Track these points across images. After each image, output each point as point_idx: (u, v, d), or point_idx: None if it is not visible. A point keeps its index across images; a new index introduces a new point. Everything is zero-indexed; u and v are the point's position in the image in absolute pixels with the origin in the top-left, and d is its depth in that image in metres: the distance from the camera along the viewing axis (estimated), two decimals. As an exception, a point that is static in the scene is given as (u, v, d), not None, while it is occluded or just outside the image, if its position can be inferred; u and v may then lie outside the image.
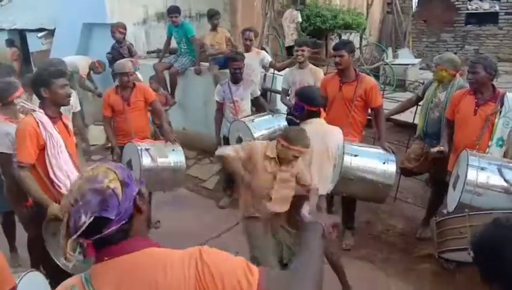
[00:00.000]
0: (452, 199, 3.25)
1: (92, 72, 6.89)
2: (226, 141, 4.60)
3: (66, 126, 2.95)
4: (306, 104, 3.09)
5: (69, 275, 1.33)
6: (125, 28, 6.11)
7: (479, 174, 3.00)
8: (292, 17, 8.15)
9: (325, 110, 3.38)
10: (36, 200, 2.78)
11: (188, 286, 1.08)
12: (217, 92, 4.66)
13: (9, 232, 3.73)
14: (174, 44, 6.21)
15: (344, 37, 9.39)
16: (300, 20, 8.15)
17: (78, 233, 1.09)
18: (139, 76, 5.26)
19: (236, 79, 4.56)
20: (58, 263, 2.61)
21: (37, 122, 2.72)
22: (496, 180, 3.01)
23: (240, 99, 4.57)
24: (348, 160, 3.45)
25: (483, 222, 2.83)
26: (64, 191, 2.73)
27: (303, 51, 4.48)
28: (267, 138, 4.13)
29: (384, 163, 3.53)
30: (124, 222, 1.13)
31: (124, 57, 5.56)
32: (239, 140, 4.35)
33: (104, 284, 1.11)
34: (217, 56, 5.84)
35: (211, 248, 1.17)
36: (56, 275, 2.60)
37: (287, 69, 4.94)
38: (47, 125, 2.74)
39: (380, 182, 3.50)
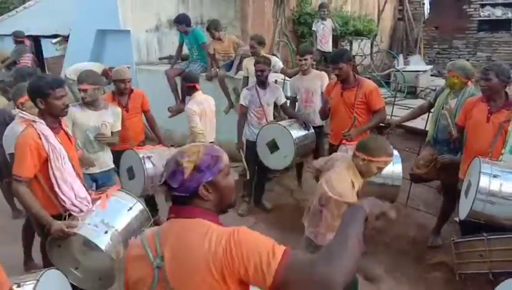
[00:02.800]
0: (464, 206, 3.22)
1: (104, 78, 6.98)
2: (252, 145, 4.58)
3: (67, 134, 2.85)
4: (185, 82, 4.50)
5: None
6: (19, 37, 6.32)
7: (492, 181, 2.97)
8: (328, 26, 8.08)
9: (197, 87, 4.41)
10: (37, 218, 2.65)
11: (216, 260, 1.24)
12: (243, 96, 4.64)
13: (26, 237, 3.70)
14: (186, 50, 6.28)
15: (355, 43, 9.39)
16: (334, 26, 8.05)
17: (158, 184, 1.41)
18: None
19: (262, 83, 4.56)
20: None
21: (39, 134, 2.58)
22: (509, 188, 2.98)
23: (266, 104, 4.58)
24: None
25: (504, 246, 2.83)
26: (69, 205, 2.66)
27: (306, 60, 4.52)
28: (303, 142, 4.29)
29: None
30: (185, 194, 1.37)
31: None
32: (273, 143, 4.36)
33: (165, 239, 1.36)
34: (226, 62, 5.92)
35: (246, 229, 1.32)
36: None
37: (292, 78, 4.97)
38: (50, 138, 2.61)
39: (387, 183, 3.47)
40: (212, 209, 1.40)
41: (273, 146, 4.36)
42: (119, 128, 3.81)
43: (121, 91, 4.17)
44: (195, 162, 1.36)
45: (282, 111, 4.79)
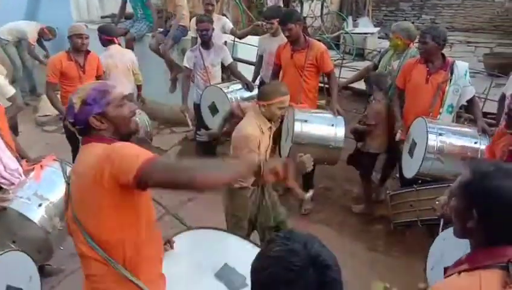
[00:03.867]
0: (409, 165, 3.38)
1: (42, 38, 6.54)
2: (198, 108, 4.52)
3: None
4: (103, 35, 4.43)
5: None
6: None
7: (438, 139, 3.13)
8: None
9: (115, 41, 4.53)
10: None
11: (97, 166, 1.45)
12: (187, 58, 4.53)
13: None
14: (130, 8, 5.96)
15: (306, 4, 9.33)
16: None
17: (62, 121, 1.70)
18: None
19: (206, 43, 4.44)
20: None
21: None
22: (453, 144, 3.17)
23: (211, 65, 4.47)
24: (298, 126, 3.54)
25: (432, 196, 3.05)
26: None
27: (272, 23, 4.40)
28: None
29: (332, 126, 3.61)
30: (81, 126, 1.57)
31: None
32: (213, 106, 4.31)
33: (74, 163, 1.67)
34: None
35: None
36: None
37: (261, 36, 4.84)
38: None
39: (330, 145, 3.59)
40: (110, 136, 1.59)
41: (213, 109, 4.34)
42: (11, 92, 3.45)
43: (78, 48, 3.90)
44: (82, 97, 1.55)
45: (230, 72, 4.73)
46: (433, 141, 3.12)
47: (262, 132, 2.73)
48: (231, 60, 4.64)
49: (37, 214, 2.45)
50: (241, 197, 2.84)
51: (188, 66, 4.52)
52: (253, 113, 2.79)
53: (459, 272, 1.16)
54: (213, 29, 4.45)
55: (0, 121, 2.65)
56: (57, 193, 2.61)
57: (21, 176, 2.61)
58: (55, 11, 6.29)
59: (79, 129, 1.59)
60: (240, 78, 4.56)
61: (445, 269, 1.28)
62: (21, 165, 2.65)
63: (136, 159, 1.39)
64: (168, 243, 1.93)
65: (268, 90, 2.76)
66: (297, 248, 0.98)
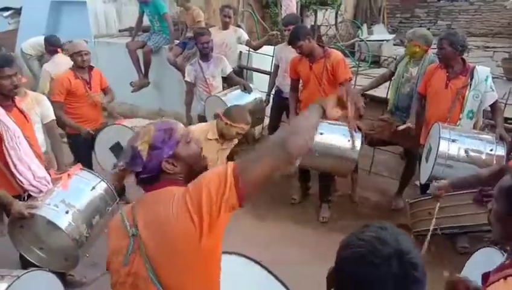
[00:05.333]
0: (425, 171, 3.36)
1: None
2: (202, 120, 4.57)
3: (21, 111, 2.71)
4: (49, 45, 4.99)
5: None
6: None
7: (451, 145, 3.11)
8: None
9: (59, 51, 4.83)
10: None
11: (182, 216, 1.27)
12: (188, 72, 4.59)
13: None
14: (147, 21, 6.08)
15: (320, 13, 9.35)
16: None
17: (115, 170, 1.41)
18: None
19: (205, 55, 4.50)
20: (27, 257, 2.58)
21: None
22: (467, 151, 3.13)
23: (211, 77, 4.53)
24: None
25: (451, 203, 3.00)
26: (27, 186, 2.56)
27: (289, 30, 4.38)
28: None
29: (349, 141, 3.57)
30: (151, 174, 1.38)
31: None
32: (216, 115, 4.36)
33: (139, 211, 1.39)
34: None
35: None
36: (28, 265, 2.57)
37: (278, 45, 4.87)
38: (2, 117, 2.50)
39: (343, 157, 3.55)
40: (182, 178, 1.42)
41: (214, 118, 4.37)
42: (52, 116, 3.26)
43: (79, 65, 3.94)
44: (149, 142, 1.38)
45: (230, 81, 4.73)
46: (445, 146, 3.11)
47: (208, 138, 2.99)
48: (230, 69, 4.68)
49: (64, 221, 2.49)
50: None
51: (189, 80, 4.57)
52: (208, 124, 3.19)
53: (505, 277, 1.13)
54: (212, 40, 4.51)
55: (29, 130, 2.71)
56: (84, 201, 2.67)
57: (49, 183, 2.66)
58: (74, 26, 6.45)
59: (148, 177, 1.39)
60: (238, 83, 4.62)
61: (484, 275, 1.25)
62: (49, 174, 2.72)
63: (224, 172, 1.26)
64: None
65: (237, 114, 3.02)
66: (389, 239, 0.99)
